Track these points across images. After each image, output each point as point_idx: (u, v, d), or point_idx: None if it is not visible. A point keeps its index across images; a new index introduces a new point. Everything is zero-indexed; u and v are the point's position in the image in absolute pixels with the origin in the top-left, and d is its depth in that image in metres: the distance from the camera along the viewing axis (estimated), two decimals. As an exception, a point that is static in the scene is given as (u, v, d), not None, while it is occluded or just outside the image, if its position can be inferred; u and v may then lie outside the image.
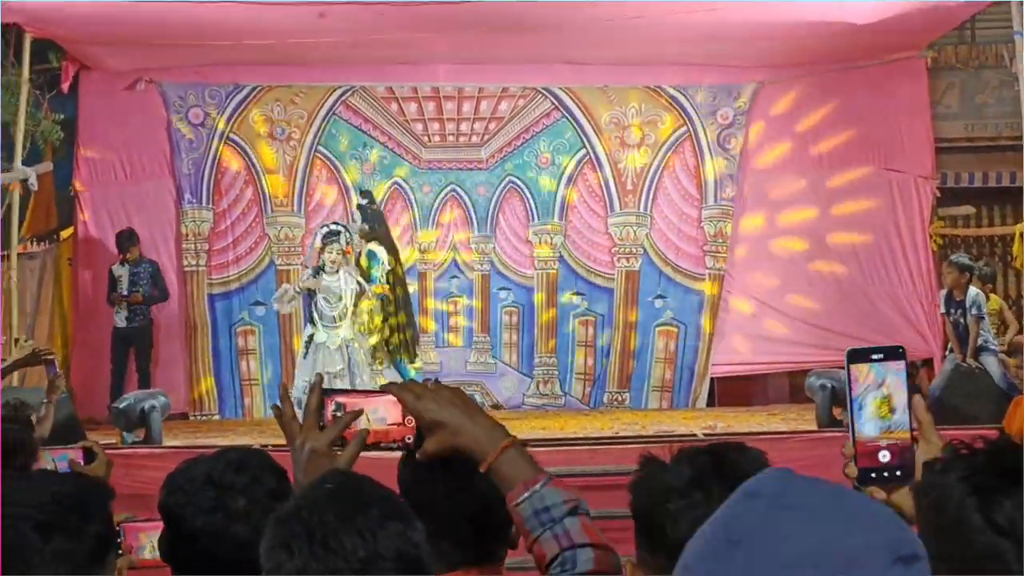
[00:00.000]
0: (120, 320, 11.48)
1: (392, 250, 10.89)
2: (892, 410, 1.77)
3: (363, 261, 10.55)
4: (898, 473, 1.77)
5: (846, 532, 1.06)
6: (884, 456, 1.77)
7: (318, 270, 10.12)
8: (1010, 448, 1.51)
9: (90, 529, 2.01)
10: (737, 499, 1.13)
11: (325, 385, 2.01)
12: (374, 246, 10.69)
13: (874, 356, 1.79)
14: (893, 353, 1.80)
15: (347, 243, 10.21)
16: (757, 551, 1.06)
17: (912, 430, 1.79)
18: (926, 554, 1.09)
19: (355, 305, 10.17)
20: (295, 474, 2.02)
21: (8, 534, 1.94)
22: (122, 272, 11.50)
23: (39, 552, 1.94)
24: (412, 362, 10.82)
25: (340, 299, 10.08)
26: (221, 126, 12.43)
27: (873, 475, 1.78)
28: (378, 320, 10.60)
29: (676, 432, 10.12)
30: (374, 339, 10.57)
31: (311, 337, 10.11)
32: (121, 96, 12.24)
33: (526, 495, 1.81)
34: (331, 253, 10.08)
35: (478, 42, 11.41)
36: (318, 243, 10.25)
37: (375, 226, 10.89)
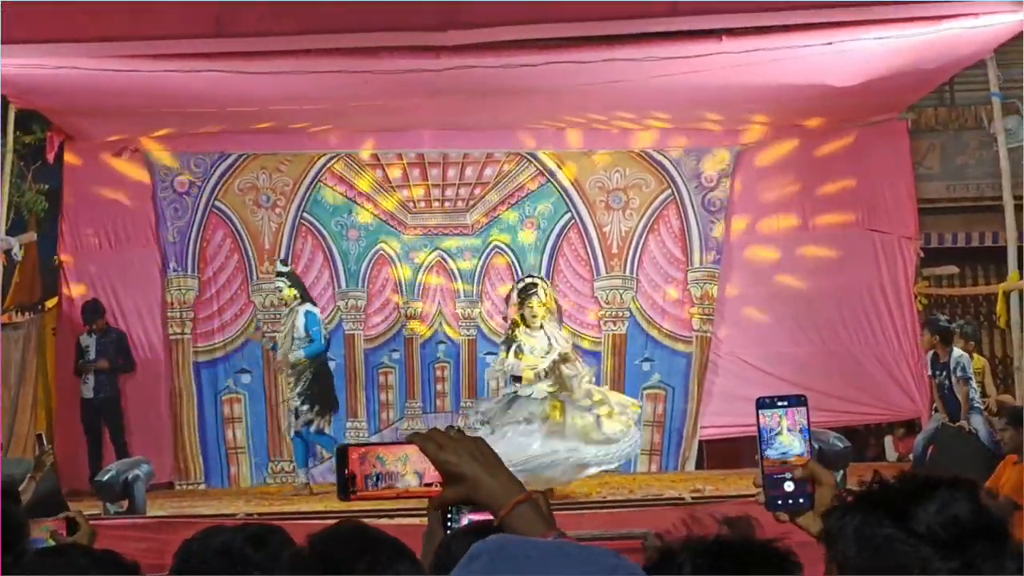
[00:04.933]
0: (88, 391, 11.48)
1: None
2: (793, 447, 2.08)
3: (297, 324, 10.89)
4: (801, 500, 2.06)
5: (564, 569, 1.16)
6: (789, 486, 2.06)
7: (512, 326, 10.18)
8: (896, 479, 1.72)
9: None
10: (462, 563, 1.25)
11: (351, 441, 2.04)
12: (310, 307, 11.08)
13: (779, 403, 2.10)
14: (796, 401, 2.11)
15: (545, 294, 10.27)
16: None
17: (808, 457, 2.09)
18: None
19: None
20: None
21: None
22: (89, 342, 11.53)
23: None
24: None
25: (547, 353, 10.05)
26: (206, 194, 12.47)
27: (779, 502, 2.07)
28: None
29: (665, 496, 10.08)
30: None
31: (515, 394, 10.02)
32: (106, 165, 12.29)
33: None
34: (531, 307, 10.10)
35: (462, 107, 11.47)
36: (515, 298, 10.30)
37: (303, 289, 11.32)
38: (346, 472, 1.93)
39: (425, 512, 2.09)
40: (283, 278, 11.21)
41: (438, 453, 1.86)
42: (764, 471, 2.09)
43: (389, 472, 1.93)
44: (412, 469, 1.93)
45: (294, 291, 11.11)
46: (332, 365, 11.67)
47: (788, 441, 2.08)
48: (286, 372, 11.24)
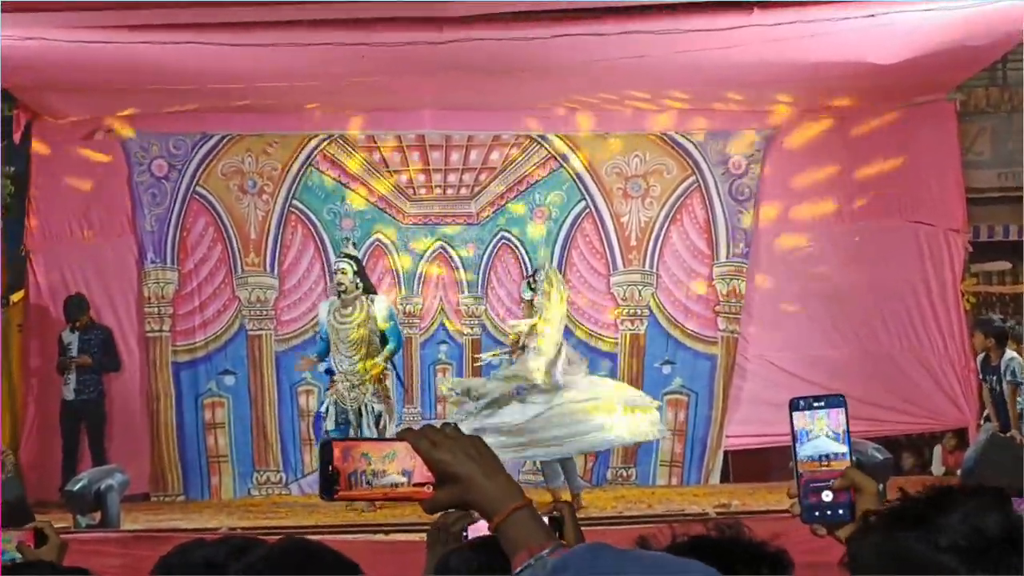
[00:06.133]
0: (69, 392, 11.47)
1: None
2: (831, 452, 2.06)
3: (380, 316, 10.65)
4: (840, 511, 2.03)
5: None
6: (827, 496, 2.03)
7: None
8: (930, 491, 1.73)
9: None
10: None
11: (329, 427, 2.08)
12: (385, 299, 11.04)
13: (816, 404, 2.09)
14: (834, 401, 2.08)
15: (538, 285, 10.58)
16: None
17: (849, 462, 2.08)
18: None
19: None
20: None
21: None
22: (71, 339, 11.54)
23: None
24: None
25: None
26: (187, 179, 12.47)
27: (816, 513, 2.04)
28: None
29: (687, 511, 10.09)
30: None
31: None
32: (77, 148, 12.29)
33: (530, 562, 1.79)
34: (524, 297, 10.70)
35: (467, 85, 11.46)
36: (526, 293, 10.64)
37: (366, 276, 11.03)
38: (330, 469, 1.91)
39: (423, 529, 2.10)
40: (349, 261, 10.74)
41: (431, 451, 1.87)
42: (799, 480, 2.08)
43: (375, 470, 1.91)
44: (400, 468, 1.91)
45: (359, 281, 10.68)
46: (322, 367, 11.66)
47: (826, 446, 2.07)
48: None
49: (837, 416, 2.08)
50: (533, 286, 10.52)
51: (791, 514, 2.07)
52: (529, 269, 12.41)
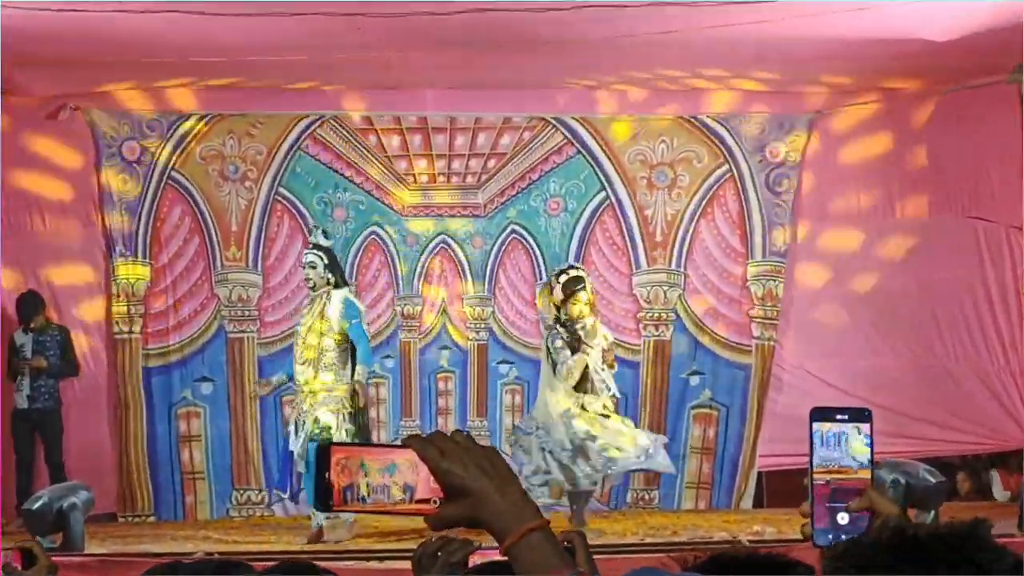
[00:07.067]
0: (21, 399, 11.47)
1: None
2: (851, 471, 2.09)
3: (335, 316, 10.20)
4: (855, 536, 2.02)
5: None
6: (842, 519, 2.06)
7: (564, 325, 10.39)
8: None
9: None
10: None
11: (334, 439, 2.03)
12: (348, 294, 10.54)
13: (838, 416, 2.11)
14: (858, 415, 2.11)
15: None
16: None
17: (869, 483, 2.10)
18: None
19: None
20: None
21: None
22: (24, 340, 11.53)
23: None
24: None
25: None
26: (162, 163, 12.47)
27: (830, 536, 2.05)
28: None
29: (715, 538, 10.09)
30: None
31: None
32: (39, 127, 12.27)
33: None
34: (577, 304, 10.31)
35: (474, 61, 11.47)
36: (559, 295, 10.45)
37: (339, 270, 10.76)
38: (327, 478, 1.92)
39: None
40: (319, 253, 10.49)
41: (440, 462, 1.87)
42: (813, 499, 2.10)
43: (372, 483, 1.92)
44: (402, 480, 1.92)
45: (330, 276, 10.44)
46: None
47: (845, 464, 2.10)
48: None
49: (862, 431, 2.10)
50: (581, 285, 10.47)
51: (802, 536, 2.10)
52: (543, 267, 12.41)
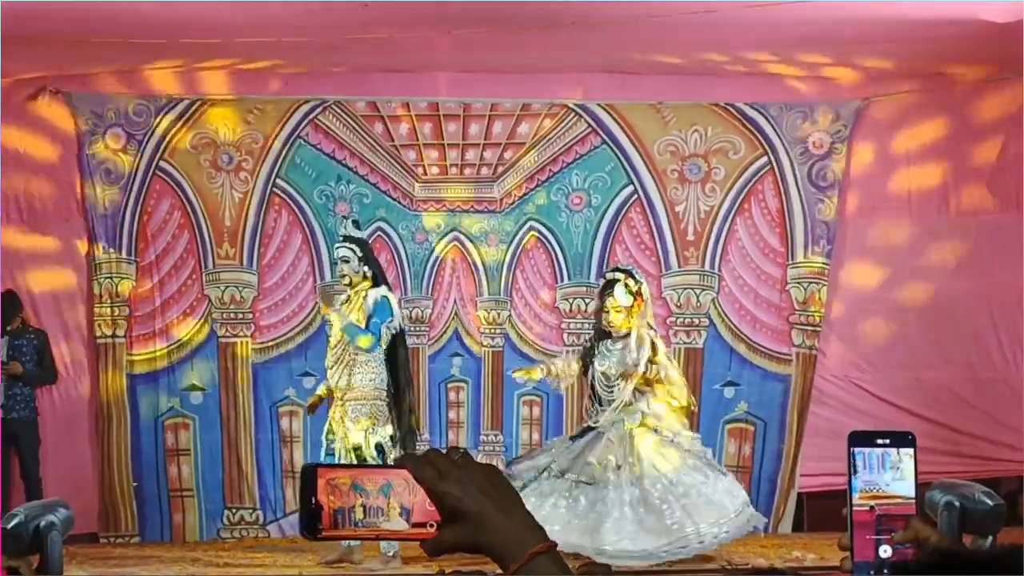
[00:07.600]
0: None
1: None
2: (894, 500, 2.12)
3: (358, 315, 10.15)
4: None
5: None
6: (884, 551, 2.10)
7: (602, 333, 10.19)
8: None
9: None
10: None
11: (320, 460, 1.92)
12: (385, 291, 10.37)
13: (879, 441, 2.15)
14: (902, 440, 2.15)
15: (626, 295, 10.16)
16: None
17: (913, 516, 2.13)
18: None
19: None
20: None
21: None
22: None
23: None
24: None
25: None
26: (149, 152, 12.44)
27: (872, 572, 2.09)
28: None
29: (751, 565, 10.16)
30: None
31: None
32: (17, 112, 12.22)
33: None
34: (608, 313, 10.13)
35: (490, 43, 11.51)
36: (595, 305, 10.49)
37: (376, 263, 10.65)
38: (313, 501, 1.88)
39: None
40: (351, 245, 10.39)
41: (437, 482, 1.86)
42: (852, 530, 2.12)
43: (365, 505, 1.90)
44: (397, 503, 1.90)
45: (366, 270, 10.34)
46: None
47: (888, 491, 2.12)
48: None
49: (904, 457, 2.14)
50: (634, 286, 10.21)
51: (840, 570, 2.12)
52: (564, 268, 12.35)
